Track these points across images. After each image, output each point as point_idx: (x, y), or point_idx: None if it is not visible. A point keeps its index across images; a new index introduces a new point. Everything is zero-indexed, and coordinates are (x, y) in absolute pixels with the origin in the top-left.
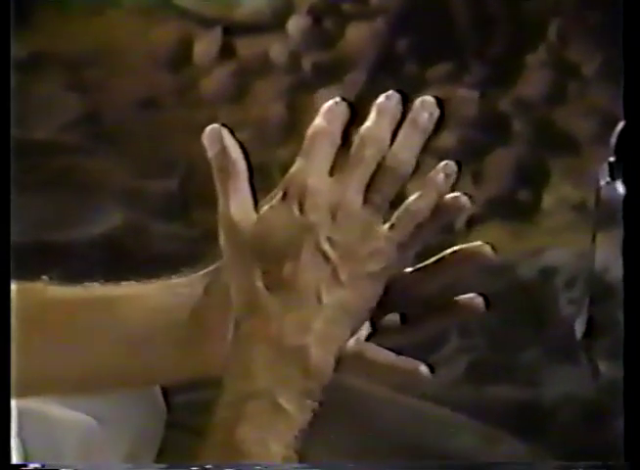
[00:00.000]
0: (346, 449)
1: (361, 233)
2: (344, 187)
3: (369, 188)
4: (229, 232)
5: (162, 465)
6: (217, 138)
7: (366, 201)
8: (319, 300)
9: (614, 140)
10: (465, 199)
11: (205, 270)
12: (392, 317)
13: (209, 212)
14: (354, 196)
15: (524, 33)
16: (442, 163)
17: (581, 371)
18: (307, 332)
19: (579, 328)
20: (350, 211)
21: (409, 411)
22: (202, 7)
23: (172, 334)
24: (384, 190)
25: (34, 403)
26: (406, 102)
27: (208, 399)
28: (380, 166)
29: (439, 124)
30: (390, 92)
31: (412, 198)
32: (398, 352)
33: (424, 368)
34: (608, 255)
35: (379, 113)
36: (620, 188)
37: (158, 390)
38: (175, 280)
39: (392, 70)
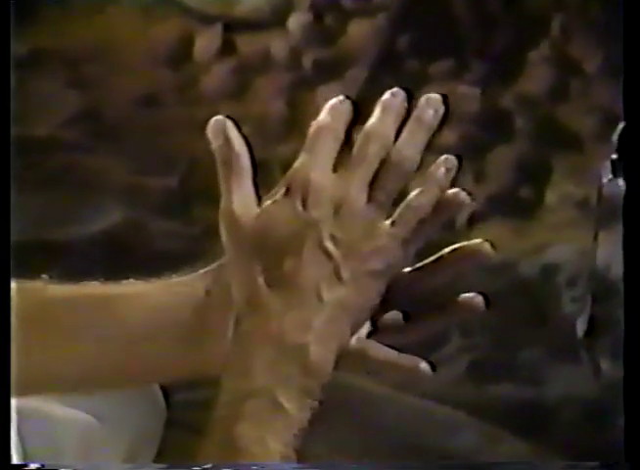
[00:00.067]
0: (348, 448)
1: (364, 230)
2: (348, 183)
3: (373, 185)
4: (230, 226)
5: (162, 465)
6: (221, 130)
7: (370, 198)
8: (319, 297)
9: (616, 137)
10: (464, 195)
11: (206, 269)
12: (395, 316)
13: (210, 210)
14: (358, 193)
15: (525, 29)
16: (442, 157)
17: (583, 370)
18: (307, 330)
19: (581, 327)
20: (354, 207)
21: (410, 410)
22: (202, 3)
23: (173, 333)
24: (387, 187)
25: (34, 402)
26: (411, 99)
27: (208, 397)
28: (384, 163)
29: (441, 121)
30: (396, 89)
31: (413, 194)
32: (399, 351)
33: (424, 365)
34: (610, 253)
35: (383, 110)
36: (623, 185)
37: (157, 388)
38: (176, 279)
39: (393, 67)
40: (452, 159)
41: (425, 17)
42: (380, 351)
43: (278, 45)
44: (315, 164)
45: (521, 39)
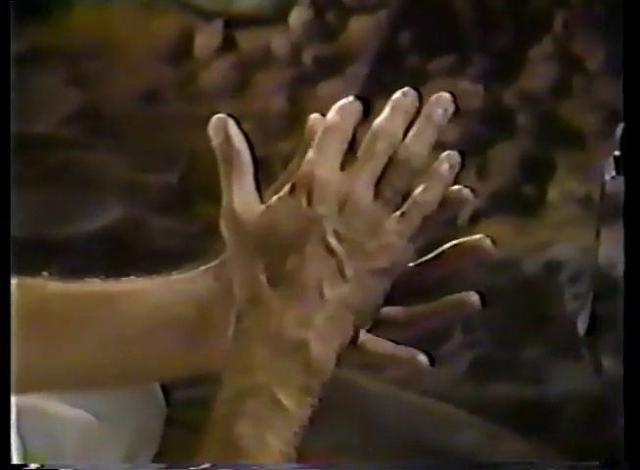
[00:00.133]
0: (348, 446)
1: (370, 228)
2: (355, 180)
3: (380, 182)
4: (233, 224)
5: (162, 465)
6: (222, 127)
7: (377, 195)
8: (321, 295)
9: (618, 134)
10: (467, 191)
11: (207, 266)
12: (392, 311)
13: (210, 207)
14: (364, 189)
15: (528, 26)
16: (445, 153)
17: (584, 367)
18: (308, 327)
19: (582, 325)
20: (360, 204)
21: (411, 407)
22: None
23: (173, 330)
24: (395, 184)
25: (34, 400)
26: (421, 100)
27: (208, 395)
28: (391, 161)
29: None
30: (407, 88)
31: (418, 190)
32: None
33: (422, 357)
34: (612, 250)
35: (393, 108)
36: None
37: (157, 386)
38: (176, 276)
39: (394, 63)
40: (455, 155)
41: (426, 13)
42: (378, 343)
43: (279, 41)
44: (322, 161)
45: (523, 36)
